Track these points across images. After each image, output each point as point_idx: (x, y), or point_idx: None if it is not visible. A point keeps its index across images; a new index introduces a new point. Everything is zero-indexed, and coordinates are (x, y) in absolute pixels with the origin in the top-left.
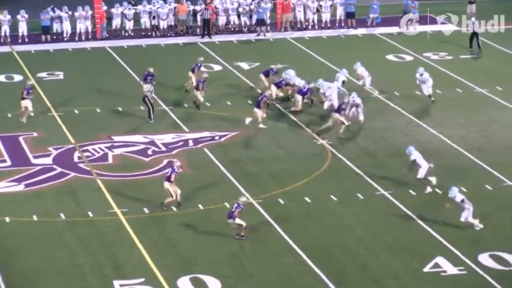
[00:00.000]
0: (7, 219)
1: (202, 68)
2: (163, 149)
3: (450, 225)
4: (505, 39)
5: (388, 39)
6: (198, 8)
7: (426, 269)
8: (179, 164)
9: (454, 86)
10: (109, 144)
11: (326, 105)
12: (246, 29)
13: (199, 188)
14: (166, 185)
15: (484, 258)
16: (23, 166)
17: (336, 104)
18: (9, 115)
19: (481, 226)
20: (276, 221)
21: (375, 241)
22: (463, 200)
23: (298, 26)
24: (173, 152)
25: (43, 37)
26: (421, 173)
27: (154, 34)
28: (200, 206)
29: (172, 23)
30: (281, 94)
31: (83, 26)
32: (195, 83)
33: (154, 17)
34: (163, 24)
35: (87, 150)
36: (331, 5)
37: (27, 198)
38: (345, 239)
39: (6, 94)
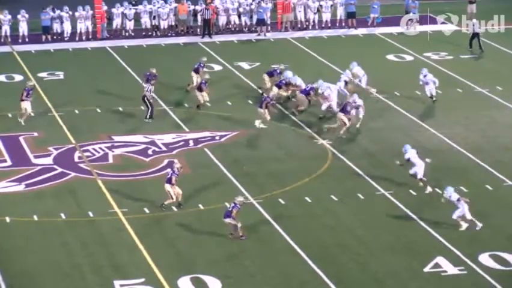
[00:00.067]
0: (7, 219)
1: (204, 69)
2: (164, 149)
3: (450, 225)
4: (505, 39)
5: (388, 39)
6: (198, 7)
7: (426, 269)
8: (179, 165)
9: (454, 86)
10: (109, 144)
11: (324, 106)
12: (247, 29)
13: (199, 188)
14: (167, 187)
15: (484, 258)
16: (23, 166)
17: (335, 105)
18: (10, 115)
19: (481, 225)
20: (277, 221)
21: (376, 241)
22: (458, 199)
23: (299, 26)
24: (174, 152)
25: (43, 37)
26: (420, 173)
27: (154, 34)
28: (200, 206)
29: (173, 23)
30: (285, 94)
31: (83, 26)
32: (195, 83)
33: (154, 17)
34: (164, 24)
35: (87, 150)
36: (331, 5)
37: (27, 198)
38: (346, 238)
39: (6, 94)
